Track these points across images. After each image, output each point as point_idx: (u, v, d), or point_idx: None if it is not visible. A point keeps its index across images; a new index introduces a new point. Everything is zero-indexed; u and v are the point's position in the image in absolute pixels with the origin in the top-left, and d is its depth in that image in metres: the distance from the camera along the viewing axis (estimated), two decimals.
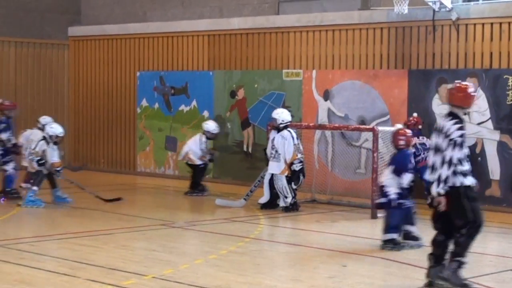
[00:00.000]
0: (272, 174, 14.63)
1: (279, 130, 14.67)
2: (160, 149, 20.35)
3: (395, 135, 11.71)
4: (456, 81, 9.31)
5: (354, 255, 10.79)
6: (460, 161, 8.45)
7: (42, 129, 15.68)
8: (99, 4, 22.48)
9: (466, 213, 8.46)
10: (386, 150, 14.58)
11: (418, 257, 10.77)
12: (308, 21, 17.69)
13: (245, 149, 18.48)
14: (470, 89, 8.75)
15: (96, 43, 21.85)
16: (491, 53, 15.20)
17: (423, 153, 14.61)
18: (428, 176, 8.67)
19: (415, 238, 11.24)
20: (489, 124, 15.05)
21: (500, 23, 15.10)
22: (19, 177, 15.55)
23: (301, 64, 17.83)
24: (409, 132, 11.82)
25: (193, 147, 16.83)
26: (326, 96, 17.26)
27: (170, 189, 18.36)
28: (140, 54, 20.86)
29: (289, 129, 14.66)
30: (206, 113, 19.32)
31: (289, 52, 18.05)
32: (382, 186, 11.37)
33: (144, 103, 20.68)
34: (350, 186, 16.26)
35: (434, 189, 8.47)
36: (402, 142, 11.56)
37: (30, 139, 15.27)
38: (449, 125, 8.53)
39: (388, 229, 11.24)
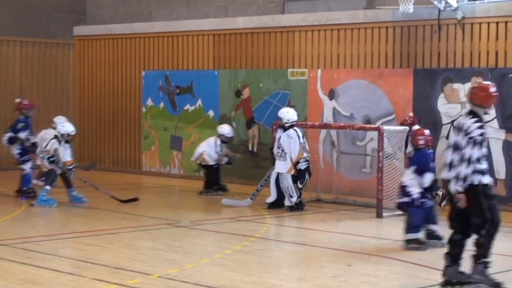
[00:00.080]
0: (278, 173, 14.63)
1: (285, 129, 14.67)
2: (166, 148, 20.36)
3: (414, 135, 11.80)
4: (478, 80, 9.37)
5: (359, 254, 10.79)
6: (478, 160, 8.47)
7: (54, 128, 15.77)
8: (104, 4, 22.50)
9: (484, 211, 8.48)
10: (391, 150, 14.59)
11: (423, 256, 10.77)
12: (313, 20, 17.68)
13: (250, 148, 18.47)
14: (492, 89, 8.83)
15: (101, 43, 21.87)
16: (497, 52, 15.17)
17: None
18: (445, 173, 8.65)
19: (439, 237, 11.22)
20: (495, 123, 15.03)
21: (506, 22, 15.07)
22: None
23: (306, 63, 17.82)
24: (427, 131, 11.91)
25: (208, 149, 16.82)
26: (331, 95, 17.25)
27: (175, 189, 18.37)
28: (145, 54, 20.87)
29: (295, 128, 14.65)
30: (211, 113, 19.32)
31: (294, 51, 18.04)
32: (404, 186, 11.40)
33: (149, 102, 20.69)
34: (355, 185, 16.25)
35: (453, 187, 8.48)
36: (421, 142, 11.65)
37: (45, 138, 15.33)
38: (469, 123, 8.56)
39: (410, 228, 11.26)
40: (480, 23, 15.34)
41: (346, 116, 16.97)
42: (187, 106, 19.87)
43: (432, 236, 11.33)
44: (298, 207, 14.59)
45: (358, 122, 16.61)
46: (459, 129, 8.62)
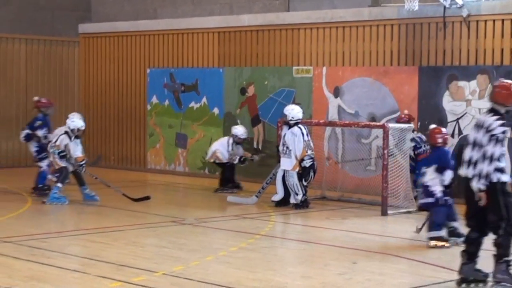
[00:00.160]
0: (284, 171, 14.63)
1: (290, 126, 14.67)
2: (170, 146, 20.37)
3: (432, 133, 11.81)
4: (500, 78, 9.38)
5: (364, 252, 10.79)
6: (498, 158, 8.48)
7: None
8: (110, 1, 22.51)
9: (500, 209, 8.48)
10: (396, 150, 14.57)
11: (428, 254, 10.77)
12: (318, 17, 17.67)
13: (255, 146, 18.46)
14: None
15: (106, 40, 21.88)
16: (502, 50, 15.15)
17: (424, 146, 14.82)
18: (464, 171, 8.63)
19: (460, 235, 11.17)
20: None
21: (511, 20, 15.05)
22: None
23: (311, 61, 17.81)
24: (444, 129, 11.97)
25: (221, 147, 16.83)
26: (336, 93, 17.24)
27: (180, 186, 18.39)
28: (151, 51, 20.88)
29: (300, 125, 14.64)
30: (216, 110, 19.33)
31: (299, 49, 18.03)
32: (427, 186, 11.40)
33: (154, 100, 20.69)
34: (360, 183, 16.24)
35: (475, 185, 8.46)
36: (440, 140, 11.68)
37: (55, 133, 15.45)
38: (491, 121, 8.55)
39: (434, 227, 11.27)
40: (486, 21, 15.32)
41: (351, 114, 16.96)
42: (192, 104, 19.88)
43: (454, 233, 11.35)
44: (303, 204, 14.58)
45: (363, 120, 16.60)
46: (480, 126, 8.60)
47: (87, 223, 13.33)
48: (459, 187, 9.38)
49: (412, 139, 14.96)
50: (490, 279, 8.73)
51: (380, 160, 15.63)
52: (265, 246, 11.20)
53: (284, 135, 14.71)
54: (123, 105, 21.41)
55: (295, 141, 14.48)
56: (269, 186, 15.20)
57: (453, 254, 10.74)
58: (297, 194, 14.54)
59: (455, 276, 9.30)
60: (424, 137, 14.78)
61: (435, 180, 11.34)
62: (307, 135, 14.61)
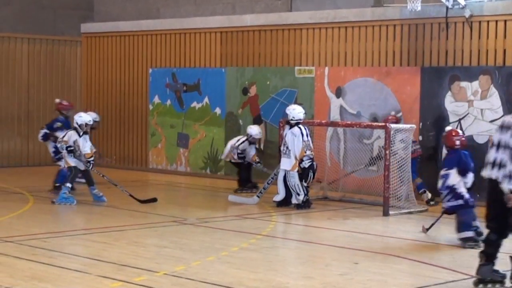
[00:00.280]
0: (285, 171, 14.62)
1: (291, 126, 14.66)
2: (172, 145, 20.37)
3: (449, 136, 11.87)
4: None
5: (366, 252, 10.78)
6: None
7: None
8: (112, 1, 22.52)
9: None
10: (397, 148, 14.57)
11: (430, 255, 10.76)
12: (321, 18, 17.66)
13: (257, 146, 18.44)
14: None
15: (108, 40, 21.88)
16: (504, 50, 15.13)
17: (413, 146, 14.91)
18: (488, 172, 8.61)
19: (481, 234, 11.26)
20: None
21: None
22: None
23: (313, 61, 17.81)
24: (461, 132, 12.10)
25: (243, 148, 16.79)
26: (339, 93, 17.23)
27: (181, 186, 18.39)
28: (153, 51, 20.88)
29: (300, 125, 14.63)
30: (218, 110, 19.33)
31: (301, 49, 18.03)
32: (455, 188, 11.44)
33: (156, 99, 20.70)
34: (362, 183, 16.23)
35: (506, 186, 8.42)
36: (458, 142, 11.77)
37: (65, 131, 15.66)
38: None
39: (464, 227, 11.33)
40: (488, 21, 15.30)
41: (353, 114, 16.95)
42: (194, 104, 19.88)
43: (478, 233, 11.42)
44: (305, 205, 14.58)
45: (365, 120, 16.59)
46: (507, 128, 8.56)
47: (88, 223, 13.33)
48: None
49: (402, 140, 15.06)
50: (507, 280, 8.71)
51: (378, 160, 15.71)
52: (267, 246, 11.19)
53: (285, 135, 14.71)
54: (125, 105, 21.41)
55: (294, 141, 14.47)
56: (270, 186, 15.21)
57: (454, 255, 10.75)
58: (298, 195, 14.53)
59: (457, 276, 9.31)
60: (413, 138, 14.85)
61: (460, 182, 11.44)
62: (307, 135, 14.58)
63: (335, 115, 17.25)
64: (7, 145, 21.32)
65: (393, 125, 14.64)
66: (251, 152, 16.77)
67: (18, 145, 21.42)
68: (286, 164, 14.58)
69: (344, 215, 14.19)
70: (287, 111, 14.80)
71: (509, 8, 15.10)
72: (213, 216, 13.80)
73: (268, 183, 15.21)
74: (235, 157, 16.76)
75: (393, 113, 16.03)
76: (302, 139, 14.48)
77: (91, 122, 15.24)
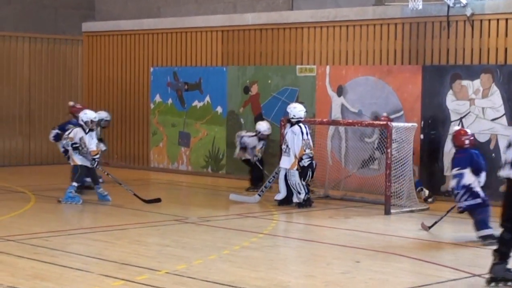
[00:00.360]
0: (286, 170, 14.61)
1: (292, 124, 14.66)
2: (173, 144, 20.37)
3: (458, 135, 11.94)
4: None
5: (367, 251, 10.77)
6: None
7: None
8: (113, 0, 22.51)
9: None
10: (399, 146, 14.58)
11: (431, 253, 10.76)
12: (322, 16, 17.66)
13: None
14: None
15: (110, 39, 21.88)
16: (506, 49, 15.12)
17: (405, 146, 14.85)
18: (506, 172, 8.60)
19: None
20: (503, 120, 14.99)
21: None
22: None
23: (314, 59, 17.80)
24: (469, 131, 12.11)
25: (250, 143, 16.76)
26: (340, 91, 17.23)
27: (183, 185, 18.39)
28: (154, 50, 20.89)
29: (300, 124, 14.62)
30: (219, 109, 19.33)
31: (302, 47, 18.02)
32: (471, 188, 11.48)
33: (158, 98, 20.70)
34: (363, 182, 16.22)
35: None
36: (467, 142, 11.84)
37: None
38: None
39: (483, 225, 11.40)
40: (489, 20, 15.30)
41: (354, 113, 16.95)
42: (195, 103, 19.88)
43: None
44: (306, 203, 14.58)
45: (366, 119, 16.59)
46: None
47: (90, 221, 13.34)
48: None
49: (394, 140, 15.10)
50: None
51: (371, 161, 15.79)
52: (268, 245, 11.19)
53: (286, 134, 14.71)
54: (126, 104, 21.42)
55: (294, 139, 14.47)
56: (272, 185, 15.22)
57: (456, 254, 10.75)
58: (299, 193, 14.53)
59: (459, 275, 9.31)
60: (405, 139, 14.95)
61: (475, 182, 11.50)
62: (307, 134, 14.56)
63: (336, 114, 17.25)
64: (9, 144, 21.32)
65: (394, 124, 14.63)
66: (258, 147, 16.72)
67: (19, 144, 21.43)
68: (285, 162, 14.58)
69: (346, 214, 14.19)
70: (288, 110, 14.81)
71: (511, 6, 15.09)
72: (215, 214, 13.80)
73: (269, 182, 15.21)
74: (237, 144, 16.76)
75: (385, 114, 16.15)
76: (302, 137, 14.47)
77: (96, 119, 15.21)
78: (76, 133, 14.84)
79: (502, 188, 8.64)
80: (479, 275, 9.27)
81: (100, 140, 16.46)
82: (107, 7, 22.65)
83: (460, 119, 15.49)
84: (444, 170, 15.68)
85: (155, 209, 14.20)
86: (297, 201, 14.59)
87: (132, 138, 21.37)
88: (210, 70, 19.64)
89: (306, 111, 15.08)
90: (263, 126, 16.75)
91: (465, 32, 15.60)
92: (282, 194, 14.78)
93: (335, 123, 16.35)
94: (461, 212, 11.71)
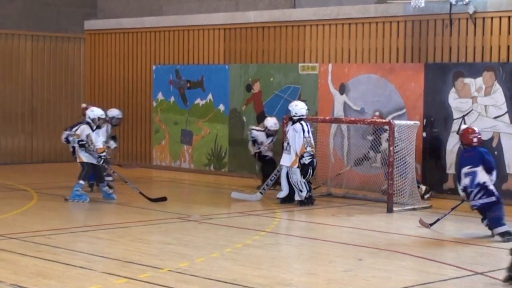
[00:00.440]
0: (288, 168, 14.60)
1: (293, 122, 14.66)
2: (176, 142, 20.38)
3: (466, 134, 12.00)
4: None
5: (370, 249, 10.77)
6: None
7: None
8: None
9: None
10: (402, 144, 14.57)
11: (434, 251, 10.76)
12: (324, 14, 17.65)
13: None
14: None
15: (112, 37, 21.89)
16: (508, 47, 15.11)
17: (399, 145, 14.83)
18: None
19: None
20: (506, 118, 14.98)
21: None
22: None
23: (317, 57, 17.80)
24: (476, 129, 12.19)
25: (258, 137, 16.73)
26: (342, 89, 17.23)
27: (185, 183, 18.39)
28: (156, 48, 20.89)
29: (302, 122, 14.61)
30: (222, 107, 19.33)
31: (305, 45, 18.02)
32: (486, 186, 11.56)
33: (160, 96, 20.70)
34: (366, 180, 16.22)
35: None
36: (475, 140, 11.93)
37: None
38: None
39: (500, 223, 11.50)
40: (492, 18, 15.29)
41: (356, 111, 16.94)
42: (198, 100, 19.88)
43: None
44: (308, 201, 14.58)
45: (368, 117, 16.58)
46: None
47: (92, 219, 13.34)
48: None
49: (388, 139, 15.12)
50: None
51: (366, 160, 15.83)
52: (270, 243, 11.20)
53: (287, 131, 14.71)
54: (129, 102, 21.42)
55: (295, 137, 14.47)
56: (273, 183, 15.23)
57: (458, 252, 10.75)
58: (301, 191, 14.53)
59: (461, 273, 9.30)
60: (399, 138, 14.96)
61: (489, 180, 11.60)
62: (308, 132, 14.55)
63: (338, 112, 17.25)
64: (11, 142, 21.34)
65: (397, 122, 14.63)
66: (266, 142, 16.68)
67: (22, 142, 21.44)
68: (286, 160, 14.58)
69: (348, 212, 14.19)
70: (290, 108, 14.80)
71: None
72: (217, 212, 13.80)
73: (271, 180, 15.21)
74: (249, 138, 16.77)
75: (377, 113, 16.23)
76: (303, 135, 14.46)
77: (104, 117, 15.20)
78: (83, 130, 14.82)
79: None
80: (481, 273, 9.28)
81: (113, 137, 16.52)
82: (109, 5, 22.65)
83: (463, 117, 15.48)
84: (447, 168, 15.68)
85: (157, 207, 14.20)
86: (299, 199, 14.59)
87: (134, 136, 21.37)
88: (212, 68, 19.64)
89: (308, 109, 15.08)
90: (269, 122, 16.72)
91: (467, 30, 15.59)
92: (284, 192, 14.78)
93: (337, 121, 16.34)
94: (477, 209, 11.75)
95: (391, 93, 16.48)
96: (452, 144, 15.58)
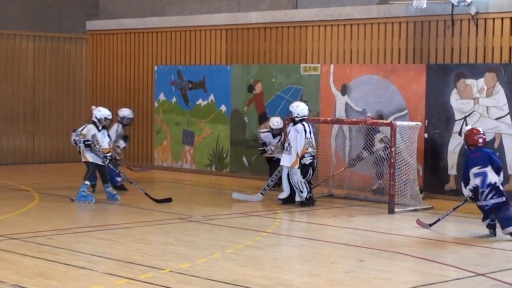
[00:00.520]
0: (289, 169, 14.60)
1: (295, 123, 14.66)
2: (177, 143, 20.38)
3: (471, 134, 12.09)
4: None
5: (371, 250, 10.77)
6: None
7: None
8: None
9: None
10: (403, 146, 14.57)
11: (435, 252, 10.75)
12: (326, 15, 17.65)
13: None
14: None
15: (114, 37, 21.90)
16: (510, 48, 15.11)
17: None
18: None
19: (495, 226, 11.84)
20: (508, 119, 14.98)
21: None
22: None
23: (319, 58, 17.80)
24: (481, 129, 12.22)
25: (266, 139, 16.74)
26: (344, 90, 17.22)
27: (187, 183, 18.39)
28: (158, 48, 20.89)
29: (304, 122, 14.61)
30: (223, 107, 19.33)
31: (307, 46, 18.02)
32: (497, 186, 11.67)
33: (162, 97, 20.71)
34: (367, 181, 16.21)
35: None
36: (481, 140, 11.99)
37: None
38: None
39: (511, 222, 11.58)
40: (494, 19, 15.28)
41: (358, 112, 16.94)
42: (200, 101, 19.88)
43: (494, 225, 11.81)
44: (308, 202, 14.57)
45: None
46: None
47: (94, 220, 13.34)
48: None
49: (381, 140, 15.13)
50: None
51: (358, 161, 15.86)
52: (272, 244, 11.20)
53: (289, 132, 14.70)
54: (131, 102, 21.41)
55: (297, 137, 14.47)
56: (274, 184, 15.22)
57: (460, 253, 10.74)
58: (301, 192, 14.53)
59: (462, 274, 9.29)
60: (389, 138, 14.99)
61: (498, 180, 11.68)
62: (310, 132, 14.56)
63: (340, 113, 17.24)
64: (13, 142, 21.35)
65: (398, 123, 14.62)
66: (274, 142, 16.64)
67: (23, 142, 21.45)
68: (286, 160, 14.58)
69: (350, 213, 14.19)
70: (291, 109, 14.76)
71: None
72: (219, 213, 13.80)
73: (272, 181, 15.21)
74: (259, 141, 16.81)
75: (369, 114, 16.23)
76: (305, 135, 14.46)
77: (110, 117, 15.18)
78: (89, 130, 14.78)
79: None
80: (483, 274, 9.27)
81: (125, 137, 16.54)
82: (111, 6, 22.66)
83: (465, 118, 15.48)
84: (448, 169, 15.67)
85: (159, 207, 14.20)
86: (299, 199, 14.58)
87: (136, 136, 21.36)
88: (214, 68, 19.64)
89: (309, 110, 15.08)
90: (272, 121, 16.71)
91: (469, 31, 15.59)
92: (285, 193, 14.78)
93: (339, 122, 16.34)
94: (490, 210, 11.77)
95: (393, 94, 16.48)
96: (454, 145, 15.57)
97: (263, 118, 18.53)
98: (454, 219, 12.74)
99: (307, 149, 14.45)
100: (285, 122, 15.53)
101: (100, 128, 14.81)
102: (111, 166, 15.05)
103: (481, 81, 15.29)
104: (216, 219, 13.19)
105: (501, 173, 11.77)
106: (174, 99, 20.43)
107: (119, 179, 15.76)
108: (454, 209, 12.33)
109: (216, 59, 19.70)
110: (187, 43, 20.31)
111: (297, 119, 14.62)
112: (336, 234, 12.19)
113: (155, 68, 20.91)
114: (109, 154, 14.80)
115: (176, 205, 14.59)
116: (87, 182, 14.67)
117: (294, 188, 14.59)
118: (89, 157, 14.73)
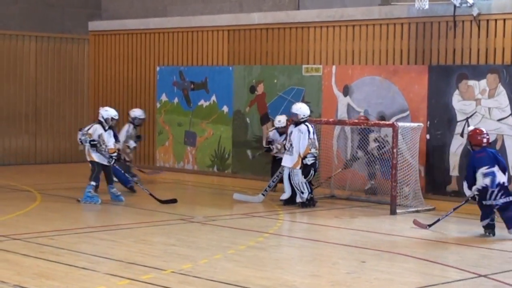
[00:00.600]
0: (290, 170, 14.60)
1: (296, 124, 14.65)
2: (179, 144, 20.38)
3: (475, 134, 12.10)
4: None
5: (373, 251, 10.77)
6: None
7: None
8: None
9: None
10: (405, 147, 14.57)
11: (437, 253, 10.75)
12: (328, 16, 17.65)
13: (264, 144, 18.43)
14: None
15: (116, 38, 21.90)
16: None
17: (387, 145, 15.17)
18: None
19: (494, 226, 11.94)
20: (510, 121, 14.97)
21: None
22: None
23: (321, 59, 17.80)
24: (484, 129, 12.26)
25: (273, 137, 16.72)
26: (346, 91, 17.22)
27: (189, 184, 18.39)
28: (160, 49, 20.90)
29: (307, 123, 14.62)
30: (225, 108, 19.33)
31: (309, 47, 18.02)
32: (506, 186, 11.73)
33: (164, 98, 20.71)
34: (365, 180, 16.19)
35: None
36: (485, 140, 12.03)
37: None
38: None
39: None
40: (496, 20, 15.28)
41: (360, 113, 16.92)
42: (201, 102, 19.89)
43: (493, 225, 11.89)
44: (309, 203, 14.57)
45: (372, 119, 16.57)
46: None
47: (95, 220, 13.35)
48: None
49: (376, 139, 15.12)
50: None
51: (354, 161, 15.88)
52: (274, 245, 11.20)
53: (291, 133, 14.69)
54: (133, 103, 21.40)
55: (300, 138, 14.47)
56: (275, 184, 15.23)
57: (462, 254, 10.74)
58: (302, 193, 14.53)
59: (464, 275, 9.30)
60: (386, 137, 14.95)
61: (506, 180, 11.73)
62: (313, 133, 14.56)
63: (342, 114, 17.24)
64: (15, 142, 21.36)
65: (400, 124, 14.62)
66: (280, 140, 16.62)
67: (25, 142, 21.46)
68: (287, 161, 14.58)
69: (351, 214, 14.19)
70: (295, 111, 14.70)
71: None
72: (220, 214, 13.80)
73: (273, 181, 15.21)
74: (264, 143, 16.82)
75: (361, 113, 16.23)
76: (309, 136, 14.47)
77: (117, 117, 15.16)
78: (95, 129, 14.75)
79: None
80: (484, 276, 9.27)
81: (138, 137, 16.57)
82: (113, 6, 22.66)
83: (467, 119, 15.47)
84: (450, 170, 15.67)
85: (160, 208, 14.21)
86: (301, 200, 14.58)
87: None
88: (216, 69, 19.65)
89: (311, 111, 15.08)
90: (275, 120, 16.70)
91: (471, 32, 15.58)
92: (287, 194, 14.78)
93: (341, 123, 16.34)
94: (499, 209, 11.82)
95: (394, 95, 16.47)
96: (456, 147, 15.57)
97: (265, 119, 18.54)
98: (455, 220, 12.73)
99: (310, 150, 14.45)
100: (288, 123, 15.52)
101: (107, 128, 14.79)
102: (117, 167, 15.03)
103: (483, 82, 15.29)
104: (218, 220, 13.19)
105: (506, 173, 11.82)
106: (176, 100, 20.43)
107: (135, 178, 15.81)
108: (454, 209, 12.34)
109: (218, 60, 19.71)
110: (189, 43, 20.31)
111: (302, 119, 14.60)
112: (338, 235, 12.19)
113: (157, 68, 20.92)
114: (115, 154, 14.78)
115: (178, 206, 14.58)
116: (93, 183, 14.62)
117: (295, 189, 14.59)
118: (95, 157, 14.70)
